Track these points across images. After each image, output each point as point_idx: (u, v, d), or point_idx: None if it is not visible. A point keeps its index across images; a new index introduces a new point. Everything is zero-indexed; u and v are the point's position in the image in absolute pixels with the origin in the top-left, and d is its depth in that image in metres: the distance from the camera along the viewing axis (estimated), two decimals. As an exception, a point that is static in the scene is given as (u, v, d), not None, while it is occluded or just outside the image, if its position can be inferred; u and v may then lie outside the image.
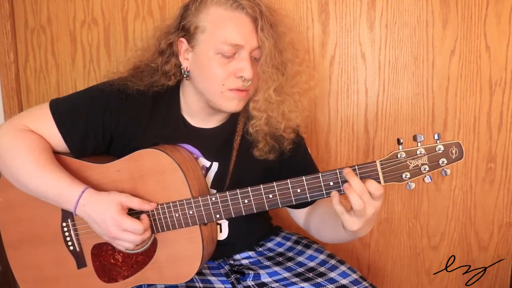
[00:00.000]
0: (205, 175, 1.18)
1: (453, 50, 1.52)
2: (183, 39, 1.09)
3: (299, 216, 1.26)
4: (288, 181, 0.98)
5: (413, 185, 0.94)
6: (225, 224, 1.20)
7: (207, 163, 1.18)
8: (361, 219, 0.94)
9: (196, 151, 1.17)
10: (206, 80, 1.08)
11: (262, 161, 1.18)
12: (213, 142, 1.18)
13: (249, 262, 1.23)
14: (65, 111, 1.12)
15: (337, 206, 0.95)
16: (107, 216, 1.01)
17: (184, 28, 1.09)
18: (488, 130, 1.55)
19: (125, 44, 1.62)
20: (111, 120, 1.13)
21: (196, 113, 1.17)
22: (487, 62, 1.51)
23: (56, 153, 1.12)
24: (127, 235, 1.01)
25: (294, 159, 1.21)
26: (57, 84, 1.68)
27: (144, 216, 1.05)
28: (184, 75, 1.12)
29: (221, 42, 1.04)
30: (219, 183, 1.18)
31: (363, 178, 0.94)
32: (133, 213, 1.06)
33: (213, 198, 1.03)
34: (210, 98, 1.09)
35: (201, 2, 1.07)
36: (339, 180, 0.95)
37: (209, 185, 1.18)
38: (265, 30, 1.04)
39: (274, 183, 0.99)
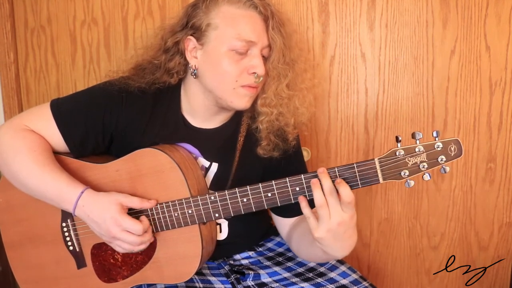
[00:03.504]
0: (204, 175, 1.18)
1: (453, 50, 1.51)
2: (191, 37, 1.10)
3: (283, 226, 1.24)
4: (287, 179, 0.98)
5: (412, 183, 0.94)
6: (225, 224, 1.20)
7: (206, 163, 1.18)
8: (324, 225, 0.92)
9: (195, 151, 1.17)
10: (218, 77, 1.08)
11: (265, 160, 1.18)
12: (213, 143, 1.18)
13: (249, 262, 1.23)
14: (65, 111, 1.12)
15: (305, 210, 0.95)
16: (107, 216, 1.01)
17: (193, 26, 1.09)
18: (488, 130, 1.55)
19: (125, 44, 1.62)
20: (111, 120, 1.13)
21: (199, 112, 1.17)
22: (487, 62, 1.51)
23: (55, 153, 1.12)
24: (127, 236, 1.01)
25: (298, 155, 1.23)
26: (57, 84, 1.68)
27: (143, 218, 1.05)
28: (192, 74, 1.12)
29: (235, 38, 1.05)
30: (219, 184, 1.18)
31: (361, 176, 0.94)
32: (133, 214, 1.06)
33: (212, 197, 1.03)
34: (221, 96, 1.09)
35: (212, 0, 1.08)
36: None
37: (208, 186, 1.18)
38: (275, 29, 1.07)
39: (273, 182, 0.98)
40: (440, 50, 1.52)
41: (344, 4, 1.53)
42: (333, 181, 0.93)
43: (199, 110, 1.16)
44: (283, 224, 1.24)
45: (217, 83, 1.09)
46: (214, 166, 1.18)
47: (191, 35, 1.10)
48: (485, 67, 1.51)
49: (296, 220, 1.21)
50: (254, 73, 1.06)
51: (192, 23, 1.09)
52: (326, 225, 0.92)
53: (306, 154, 1.60)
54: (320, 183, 0.93)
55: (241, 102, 1.10)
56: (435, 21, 1.50)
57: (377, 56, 1.55)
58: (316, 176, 0.95)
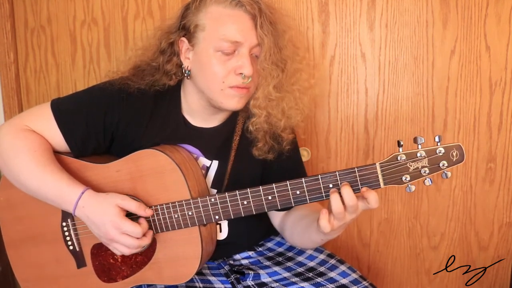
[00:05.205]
0: (206, 174, 1.18)
1: (453, 50, 1.51)
2: (184, 39, 1.10)
3: (276, 215, 1.27)
4: (288, 182, 0.97)
5: (413, 188, 0.93)
6: (224, 224, 1.20)
7: (207, 162, 1.18)
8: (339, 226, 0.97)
9: (196, 151, 1.17)
10: (207, 78, 1.08)
11: (261, 160, 1.18)
12: (213, 141, 1.19)
13: (249, 262, 1.23)
14: (66, 111, 1.12)
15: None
16: (106, 219, 1.01)
17: (184, 27, 1.10)
18: (488, 130, 1.55)
19: (125, 44, 1.62)
20: (112, 120, 1.13)
21: (197, 112, 1.17)
22: (487, 62, 1.51)
23: (56, 153, 1.12)
24: (125, 238, 1.01)
25: (292, 160, 1.23)
26: (57, 84, 1.68)
27: (142, 220, 1.05)
28: (185, 74, 1.12)
29: (220, 39, 1.04)
30: (220, 182, 1.18)
31: (362, 181, 0.94)
32: (133, 215, 1.06)
33: (212, 199, 1.03)
34: (211, 96, 1.09)
35: (201, 1, 1.08)
36: (339, 183, 0.95)
37: (210, 184, 1.18)
38: (264, 27, 1.05)
39: (273, 185, 0.98)
40: (440, 50, 1.52)
41: (344, 4, 1.53)
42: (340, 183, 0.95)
43: (197, 110, 1.17)
44: (275, 214, 1.26)
45: (206, 84, 1.09)
46: (215, 164, 1.19)
47: (183, 36, 1.10)
48: (485, 67, 1.51)
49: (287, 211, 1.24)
50: (241, 73, 1.06)
51: (183, 24, 1.10)
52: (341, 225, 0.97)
53: (306, 154, 1.60)
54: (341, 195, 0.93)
55: (231, 102, 1.09)
56: (435, 21, 1.50)
57: (377, 56, 1.55)
58: (317, 180, 0.95)
